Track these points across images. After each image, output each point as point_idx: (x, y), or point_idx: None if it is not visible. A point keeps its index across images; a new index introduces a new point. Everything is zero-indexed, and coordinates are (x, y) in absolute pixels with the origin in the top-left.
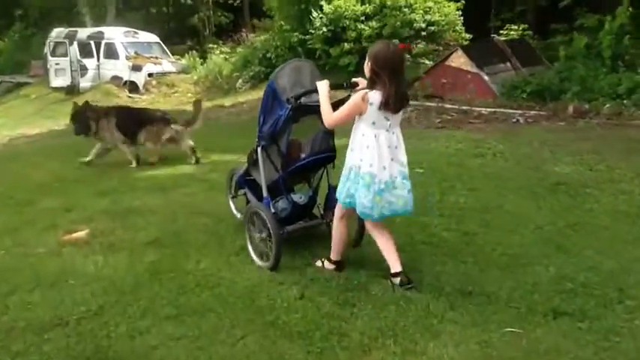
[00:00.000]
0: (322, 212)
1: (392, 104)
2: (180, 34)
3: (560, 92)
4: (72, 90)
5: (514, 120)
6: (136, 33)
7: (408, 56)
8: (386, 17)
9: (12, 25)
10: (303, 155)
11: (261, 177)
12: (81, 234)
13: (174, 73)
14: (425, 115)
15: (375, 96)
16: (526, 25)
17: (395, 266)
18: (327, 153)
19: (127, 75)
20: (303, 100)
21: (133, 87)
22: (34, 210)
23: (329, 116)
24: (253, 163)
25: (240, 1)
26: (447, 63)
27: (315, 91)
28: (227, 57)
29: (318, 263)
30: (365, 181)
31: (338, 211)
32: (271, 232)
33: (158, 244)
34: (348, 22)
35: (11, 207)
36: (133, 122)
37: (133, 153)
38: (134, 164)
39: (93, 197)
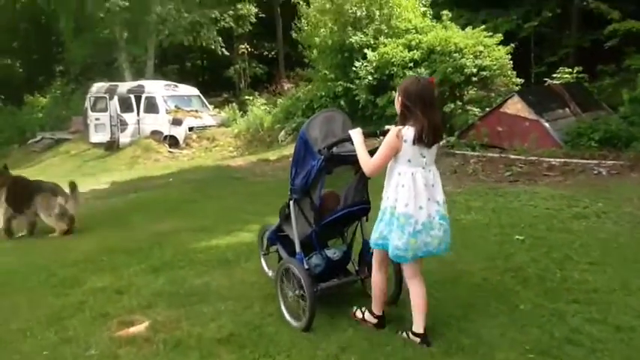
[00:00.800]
0: (357, 268)
1: (426, 138)
2: (215, 87)
3: (630, 139)
4: (111, 145)
5: (595, 172)
6: (176, 86)
7: (459, 103)
8: (435, 63)
9: (52, 81)
10: (338, 207)
11: (294, 232)
12: (139, 328)
13: (214, 126)
14: (491, 167)
15: (408, 132)
16: (580, 68)
17: (419, 327)
18: (362, 205)
19: (167, 129)
20: (335, 150)
21: (173, 141)
22: (81, 291)
23: (368, 163)
24: (285, 217)
25: (275, 53)
26: (503, 110)
27: (348, 140)
28: (267, 108)
29: (358, 314)
30: (400, 222)
31: (376, 260)
32: (305, 289)
33: (234, 341)
34: (395, 69)
35: (55, 287)
36: (23, 194)
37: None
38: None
39: (147, 274)
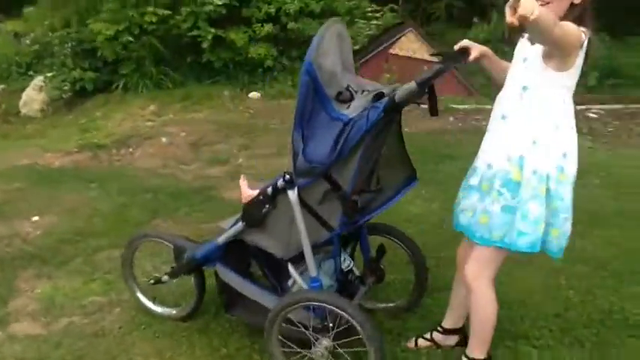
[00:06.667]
0: (358, 274)
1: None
2: None
3: None
4: None
5: None
6: None
7: None
8: None
9: None
10: (376, 188)
11: (304, 242)
12: None
13: None
14: None
15: (586, 39)
16: None
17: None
18: (413, 181)
19: None
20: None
21: None
22: None
23: (555, 24)
24: (262, 219)
25: None
26: None
27: (443, 72)
28: None
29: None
30: (567, 189)
31: (480, 263)
32: (367, 337)
33: None
34: None
35: None
36: None
37: None
38: None
39: None
